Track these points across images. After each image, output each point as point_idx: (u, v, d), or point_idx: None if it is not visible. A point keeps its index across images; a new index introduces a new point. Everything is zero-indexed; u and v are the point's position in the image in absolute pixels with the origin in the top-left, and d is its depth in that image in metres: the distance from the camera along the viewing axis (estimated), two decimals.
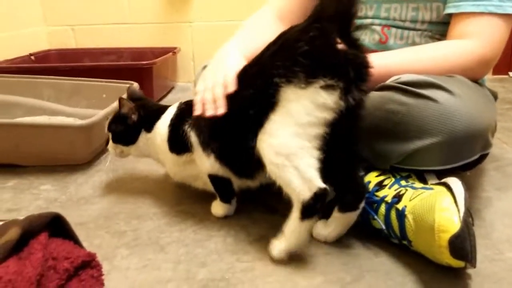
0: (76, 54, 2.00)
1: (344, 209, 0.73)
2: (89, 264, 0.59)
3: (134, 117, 0.91)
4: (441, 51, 0.88)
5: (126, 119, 0.91)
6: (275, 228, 0.80)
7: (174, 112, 0.88)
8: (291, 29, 0.71)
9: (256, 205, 0.90)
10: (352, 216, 0.73)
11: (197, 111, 0.79)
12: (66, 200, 0.95)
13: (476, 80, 0.88)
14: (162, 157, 0.91)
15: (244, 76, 0.76)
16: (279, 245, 0.72)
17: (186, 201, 0.92)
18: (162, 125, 0.88)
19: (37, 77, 1.44)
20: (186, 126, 0.83)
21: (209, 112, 0.76)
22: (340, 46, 0.66)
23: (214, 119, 0.76)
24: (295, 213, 0.69)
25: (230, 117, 0.75)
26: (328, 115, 0.66)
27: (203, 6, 2.00)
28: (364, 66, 0.67)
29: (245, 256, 0.73)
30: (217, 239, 0.78)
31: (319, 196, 0.66)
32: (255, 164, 0.73)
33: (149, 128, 0.90)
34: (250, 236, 0.79)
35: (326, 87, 0.64)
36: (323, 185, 0.67)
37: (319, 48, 0.65)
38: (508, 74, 2.14)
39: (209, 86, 0.81)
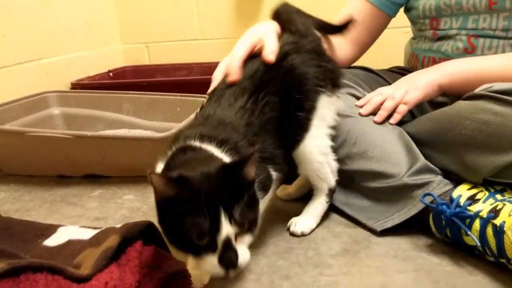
0: (149, 70, 2.09)
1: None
2: (180, 273, 0.61)
3: None
4: None
5: None
6: (357, 242, 0.79)
7: None
8: (308, 42, 0.83)
9: (336, 218, 0.88)
10: None
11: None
12: (148, 209, 0.99)
13: None
14: None
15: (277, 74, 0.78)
16: (309, 224, 0.84)
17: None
18: None
19: (116, 93, 1.52)
20: None
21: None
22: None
23: None
24: (321, 198, 0.85)
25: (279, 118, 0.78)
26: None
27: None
28: None
29: (328, 270, 0.72)
30: (298, 251, 0.77)
31: (337, 181, 0.85)
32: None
33: None
34: (332, 250, 0.77)
35: (339, 97, 0.84)
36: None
37: (338, 67, 0.86)
38: None
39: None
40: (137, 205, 1.01)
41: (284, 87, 0.77)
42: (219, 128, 0.70)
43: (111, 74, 1.96)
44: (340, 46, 1.04)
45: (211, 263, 0.56)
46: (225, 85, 0.77)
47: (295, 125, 0.78)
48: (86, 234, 0.68)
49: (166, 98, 1.48)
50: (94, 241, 0.61)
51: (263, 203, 0.72)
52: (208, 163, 0.60)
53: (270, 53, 0.77)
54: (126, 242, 0.59)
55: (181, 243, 0.58)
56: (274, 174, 0.75)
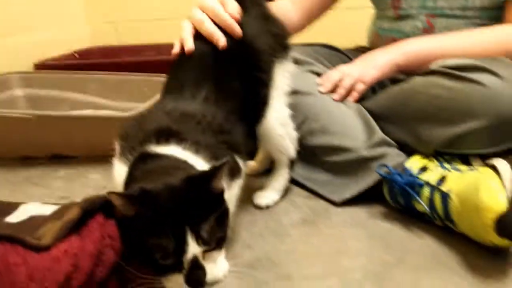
0: (116, 51, 2.05)
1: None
2: None
3: None
4: (495, 35, 0.87)
5: None
6: (317, 213, 0.82)
7: None
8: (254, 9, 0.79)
9: (297, 191, 0.91)
10: None
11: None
12: (114, 188, 0.99)
13: None
14: None
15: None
16: (272, 196, 0.86)
17: None
18: None
19: (82, 73, 1.49)
20: None
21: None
22: None
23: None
24: (283, 170, 0.86)
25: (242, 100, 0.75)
26: None
27: None
28: None
29: (288, 239, 0.75)
30: (261, 223, 0.80)
31: (298, 152, 0.86)
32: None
33: None
34: (292, 220, 0.80)
35: (288, 60, 0.83)
36: None
37: (285, 28, 0.84)
38: None
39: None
40: (102, 184, 1.01)
41: (244, 69, 0.75)
42: (184, 124, 0.65)
43: (76, 55, 1.91)
44: (288, 13, 1.05)
45: (177, 283, 0.52)
46: (188, 67, 0.73)
47: (257, 103, 0.78)
48: (49, 210, 0.68)
49: (133, 78, 1.46)
50: (56, 215, 0.61)
51: (235, 190, 0.69)
52: (172, 173, 0.55)
53: (236, 11, 0.74)
54: (87, 215, 0.59)
55: (145, 262, 0.54)
56: (240, 162, 0.71)
